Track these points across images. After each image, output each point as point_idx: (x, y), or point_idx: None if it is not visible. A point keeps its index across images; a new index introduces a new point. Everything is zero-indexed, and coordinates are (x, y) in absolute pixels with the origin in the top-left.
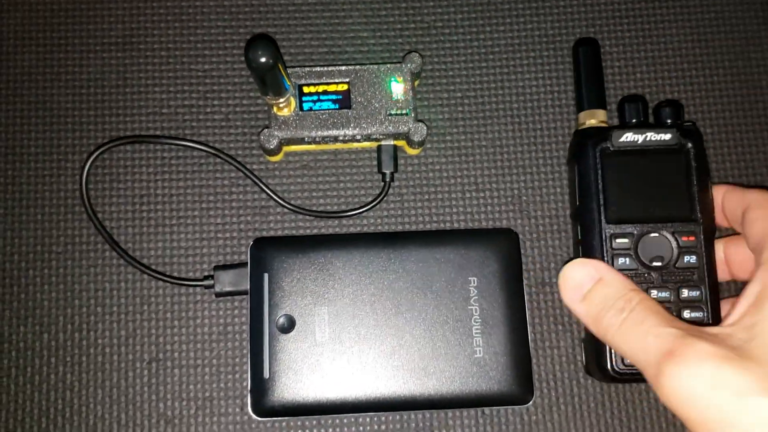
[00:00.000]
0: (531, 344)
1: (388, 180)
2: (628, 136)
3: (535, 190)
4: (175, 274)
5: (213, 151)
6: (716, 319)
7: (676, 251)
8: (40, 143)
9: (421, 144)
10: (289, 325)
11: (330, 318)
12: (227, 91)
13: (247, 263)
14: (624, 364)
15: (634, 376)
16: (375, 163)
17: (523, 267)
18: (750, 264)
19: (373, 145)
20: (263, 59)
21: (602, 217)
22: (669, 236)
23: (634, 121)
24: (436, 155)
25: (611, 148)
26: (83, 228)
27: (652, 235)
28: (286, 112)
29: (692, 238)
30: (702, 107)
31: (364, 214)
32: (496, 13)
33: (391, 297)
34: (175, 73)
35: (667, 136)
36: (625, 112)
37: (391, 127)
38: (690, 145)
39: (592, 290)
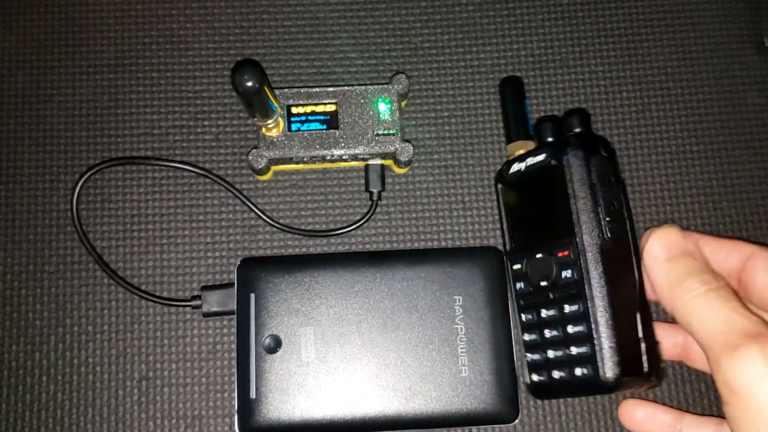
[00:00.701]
0: (516, 362)
1: (375, 199)
2: (514, 166)
3: None
4: (165, 294)
5: (202, 172)
6: (601, 333)
7: (555, 268)
8: (33, 164)
9: (408, 163)
10: (275, 346)
11: (316, 338)
12: (217, 111)
13: (233, 284)
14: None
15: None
16: (363, 181)
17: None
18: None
19: (361, 164)
20: (249, 83)
21: (506, 247)
22: (550, 254)
23: (547, 141)
24: (424, 174)
25: (506, 180)
26: (74, 248)
27: (538, 256)
28: (274, 132)
29: (566, 253)
30: (688, 125)
31: (351, 232)
32: (482, 33)
33: (377, 316)
34: (166, 95)
35: (541, 157)
36: (538, 135)
37: (378, 147)
38: (566, 160)
39: (681, 257)
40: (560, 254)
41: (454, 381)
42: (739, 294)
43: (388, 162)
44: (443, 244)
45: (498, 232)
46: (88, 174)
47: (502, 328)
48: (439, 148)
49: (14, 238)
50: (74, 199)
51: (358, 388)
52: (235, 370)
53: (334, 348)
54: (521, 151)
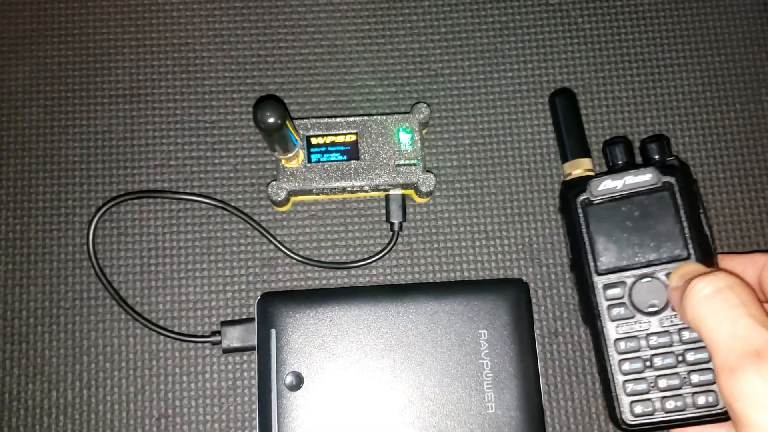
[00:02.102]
0: (544, 397)
1: (396, 229)
2: (607, 184)
3: (546, 238)
4: (184, 329)
5: (219, 204)
6: None
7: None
8: (48, 197)
9: (429, 193)
10: (298, 383)
11: (339, 374)
12: (235, 142)
13: (254, 318)
14: (633, 416)
15: (647, 428)
16: (383, 212)
17: (536, 317)
18: None
19: (382, 194)
20: (271, 120)
21: (592, 270)
22: (662, 279)
23: (620, 163)
24: (445, 203)
25: (592, 199)
26: (91, 283)
27: (645, 281)
28: (294, 164)
29: None
30: (714, 152)
31: (373, 264)
32: (503, 59)
33: (401, 351)
34: (183, 125)
35: (647, 177)
36: (608, 156)
37: (399, 178)
38: (673, 181)
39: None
40: None
41: (480, 418)
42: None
43: (409, 192)
44: (466, 275)
45: (522, 263)
46: (105, 208)
47: (529, 362)
48: (461, 177)
49: (30, 274)
50: (90, 234)
51: (383, 425)
52: (256, 407)
53: (358, 384)
54: (579, 171)
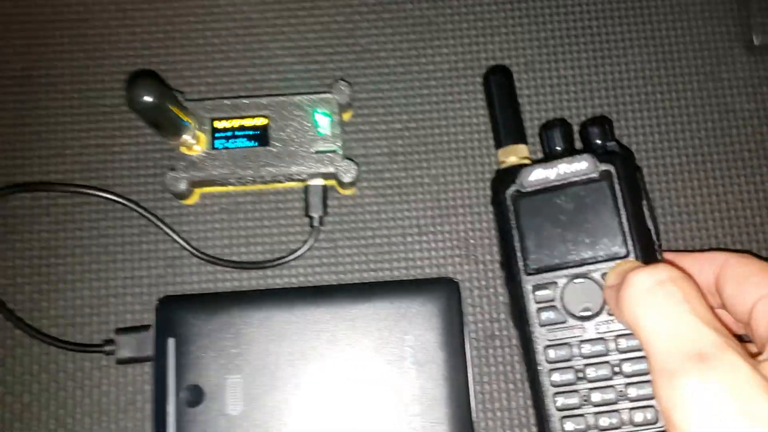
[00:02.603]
0: (478, 407)
1: (316, 224)
2: (539, 173)
3: (484, 233)
4: (78, 337)
5: (117, 198)
6: None
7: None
8: None
9: (353, 184)
10: (197, 398)
11: (245, 389)
12: (137, 128)
13: (150, 326)
14: None
15: None
16: (303, 205)
17: (471, 318)
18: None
19: (301, 185)
20: (146, 98)
21: (521, 269)
22: (598, 280)
23: (557, 149)
24: (373, 195)
25: (522, 190)
26: None
27: (578, 281)
28: (196, 150)
29: None
30: (669, 135)
31: (290, 263)
32: (437, 34)
33: (316, 362)
34: (79, 110)
35: (582, 165)
36: (544, 142)
37: (316, 167)
38: (612, 169)
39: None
40: None
41: None
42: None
43: (331, 182)
44: (395, 274)
45: (457, 260)
46: None
47: (459, 370)
48: (390, 165)
49: None
50: None
51: None
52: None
53: (266, 400)
54: (514, 158)
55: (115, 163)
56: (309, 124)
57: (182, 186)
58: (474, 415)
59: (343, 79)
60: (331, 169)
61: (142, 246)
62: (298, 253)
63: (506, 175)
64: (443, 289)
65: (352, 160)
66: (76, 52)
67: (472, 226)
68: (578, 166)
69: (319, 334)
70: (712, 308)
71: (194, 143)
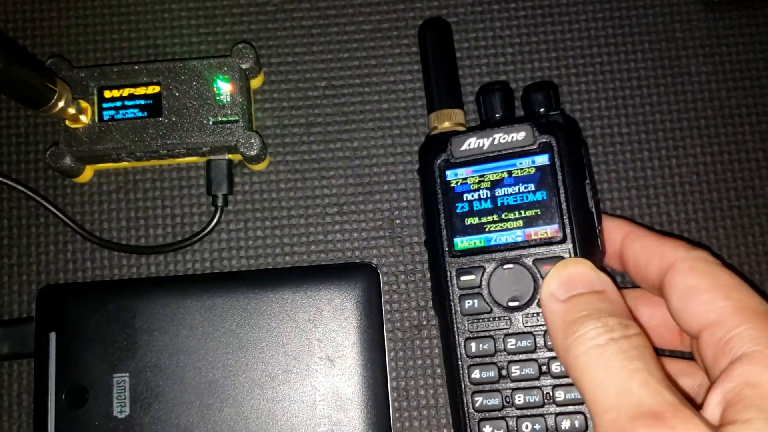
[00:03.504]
0: (398, 404)
1: (220, 204)
2: (471, 143)
3: (410, 212)
4: None
5: None
6: None
7: (533, 284)
8: None
9: (261, 158)
10: (80, 398)
11: (132, 388)
12: None
13: (32, 318)
14: None
15: None
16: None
17: (395, 307)
18: (671, 334)
19: (203, 159)
20: None
21: (446, 250)
22: (529, 266)
23: (496, 117)
24: (287, 170)
25: (453, 161)
26: None
27: (507, 267)
28: (82, 122)
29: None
30: (617, 101)
31: (192, 246)
32: None
33: (216, 359)
34: None
35: (520, 135)
36: (481, 107)
37: (215, 139)
38: (553, 141)
39: (585, 296)
40: (547, 267)
41: None
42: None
43: (237, 156)
44: (312, 258)
45: (381, 242)
46: None
47: (376, 367)
48: (306, 138)
49: None
50: None
51: None
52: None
53: (156, 401)
54: (448, 124)
55: (1, 139)
56: (207, 92)
57: (66, 162)
58: (392, 416)
59: (245, 41)
60: (232, 142)
61: (30, 230)
62: (200, 236)
63: (437, 143)
64: (361, 276)
65: (256, 131)
66: None
67: (397, 205)
68: (515, 137)
69: (217, 327)
70: (665, 369)
71: (78, 114)
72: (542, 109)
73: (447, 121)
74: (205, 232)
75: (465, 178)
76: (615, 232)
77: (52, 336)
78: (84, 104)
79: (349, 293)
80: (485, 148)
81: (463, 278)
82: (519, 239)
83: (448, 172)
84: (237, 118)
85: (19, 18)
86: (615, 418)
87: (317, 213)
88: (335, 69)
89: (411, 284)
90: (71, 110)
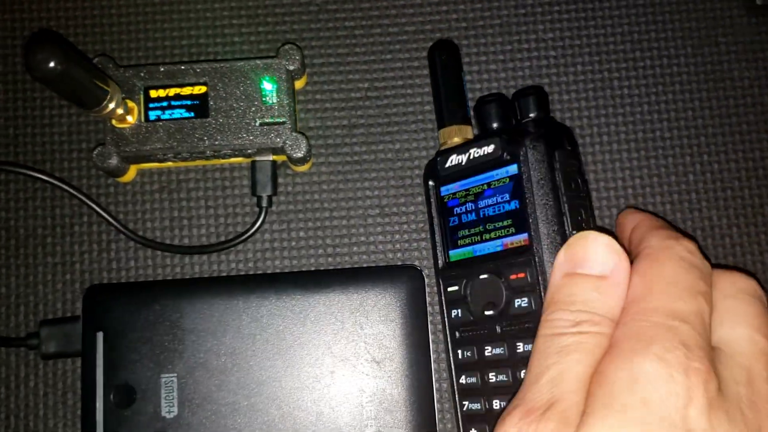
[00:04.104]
0: (444, 405)
1: (264, 205)
2: (453, 159)
3: None
4: (2, 329)
5: (42, 176)
6: None
7: (506, 294)
8: None
9: (305, 159)
10: (128, 398)
11: (180, 389)
12: None
13: (79, 317)
14: None
15: None
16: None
17: (437, 309)
18: None
19: (248, 161)
20: (50, 64)
21: (440, 261)
22: (501, 274)
23: (493, 127)
24: (330, 171)
25: (439, 176)
26: None
27: (482, 277)
28: (128, 122)
29: (522, 275)
30: (659, 106)
31: (236, 247)
32: None
33: (263, 360)
34: (5, 77)
35: (490, 148)
36: (479, 119)
37: (261, 140)
38: (522, 152)
39: (582, 278)
40: (513, 276)
41: None
42: None
43: (282, 158)
44: (354, 260)
45: (423, 244)
46: None
47: (422, 369)
48: (349, 140)
49: None
50: None
51: None
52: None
53: (204, 402)
54: (457, 139)
55: (45, 138)
56: (254, 93)
57: (113, 162)
58: (437, 416)
59: (292, 42)
60: (279, 143)
61: (74, 228)
62: (244, 237)
63: (431, 161)
64: (406, 279)
65: (302, 133)
66: (1, 13)
67: None
68: (486, 149)
69: (265, 328)
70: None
71: (125, 114)
72: (531, 115)
73: (455, 136)
74: (249, 232)
75: (454, 193)
76: (627, 228)
77: (100, 335)
78: (131, 104)
79: (395, 295)
80: (464, 163)
81: (449, 289)
82: (498, 249)
83: (442, 189)
84: (284, 119)
85: (62, 16)
86: (514, 403)
87: (359, 215)
88: (378, 70)
89: None
90: (119, 110)
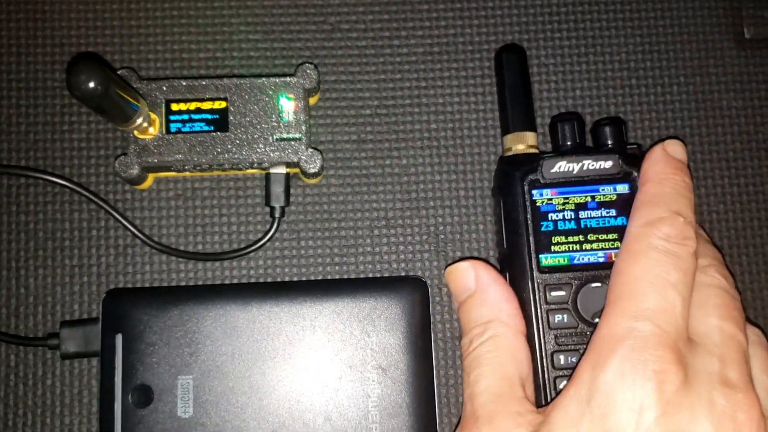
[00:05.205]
0: (443, 411)
1: (277, 215)
2: (561, 166)
3: (455, 227)
4: (21, 328)
5: (62, 181)
6: None
7: None
8: None
9: (317, 174)
10: (145, 398)
11: (196, 390)
12: None
13: (98, 319)
14: None
15: None
16: (264, 193)
17: (438, 318)
18: None
19: (262, 172)
20: (91, 84)
21: (533, 265)
22: None
23: (568, 144)
24: (339, 184)
25: (542, 180)
26: None
27: (594, 285)
28: (150, 133)
29: None
30: (652, 132)
31: (249, 255)
32: (412, 15)
33: (273, 364)
34: (26, 84)
35: (608, 164)
36: (558, 134)
37: (277, 155)
38: (635, 173)
39: (466, 302)
40: None
41: None
42: None
43: (294, 170)
44: (361, 269)
45: (426, 256)
46: None
47: (425, 377)
48: (358, 154)
49: None
50: None
51: None
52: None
53: (218, 403)
54: (521, 146)
55: (64, 143)
56: (272, 110)
57: (134, 171)
58: (438, 422)
59: (309, 62)
60: (294, 159)
61: (91, 233)
62: (258, 245)
63: (518, 164)
64: (411, 289)
65: (317, 149)
66: (23, 21)
67: (442, 221)
68: (603, 164)
69: (276, 333)
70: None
71: (147, 126)
72: (610, 142)
73: (522, 143)
74: (263, 241)
75: (550, 199)
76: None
77: (119, 337)
78: (153, 116)
79: (401, 305)
80: (574, 172)
81: (552, 294)
82: (601, 260)
83: (534, 192)
84: (300, 135)
85: (82, 26)
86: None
87: (366, 226)
88: (387, 89)
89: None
90: (145, 123)
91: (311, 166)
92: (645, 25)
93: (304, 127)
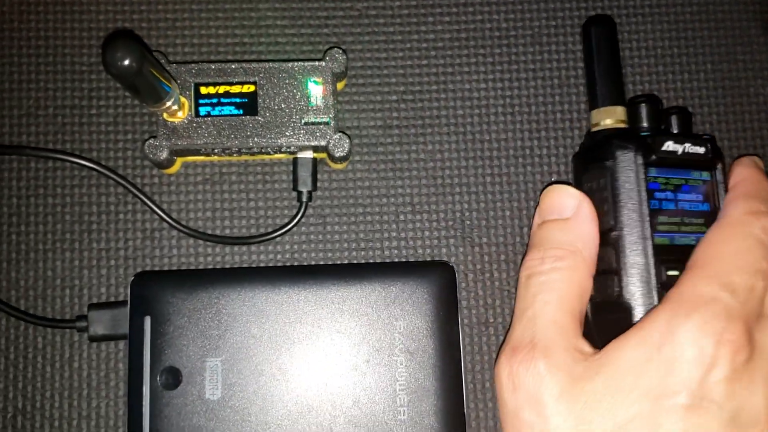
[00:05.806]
0: (469, 397)
1: (305, 200)
2: (669, 145)
3: (480, 213)
4: (48, 310)
5: (90, 164)
6: None
7: None
8: None
9: (345, 158)
10: (174, 380)
11: (224, 372)
12: (115, 89)
13: (126, 302)
14: None
15: None
16: (291, 178)
17: (464, 304)
18: None
19: (289, 156)
20: (126, 62)
21: (650, 243)
22: None
23: (645, 125)
24: (366, 170)
25: (656, 157)
26: None
27: None
28: (179, 116)
29: None
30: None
31: (276, 239)
32: (440, 1)
33: (300, 346)
34: (54, 68)
35: (701, 150)
36: (640, 114)
37: (306, 139)
38: (719, 163)
39: (548, 224)
40: None
41: (390, 425)
42: None
43: (322, 155)
44: (387, 254)
45: (452, 241)
46: None
47: (452, 359)
48: (385, 140)
49: None
50: None
51: None
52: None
53: (246, 385)
54: (609, 121)
55: (92, 127)
56: (300, 94)
57: (163, 155)
58: (465, 406)
59: (338, 47)
60: (322, 142)
61: (119, 216)
62: (285, 229)
63: (624, 138)
64: (438, 274)
65: (345, 133)
66: (51, 5)
67: (468, 207)
68: (698, 149)
69: (304, 316)
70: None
71: (177, 110)
72: (677, 131)
73: (611, 117)
74: (290, 225)
75: (656, 177)
76: (732, 180)
77: (147, 320)
78: (182, 99)
79: (429, 289)
80: (679, 153)
81: (669, 273)
82: (693, 243)
83: (650, 169)
84: (328, 120)
85: (110, 9)
86: (505, 344)
87: (392, 211)
88: (414, 75)
89: (479, 283)
90: (174, 106)
91: (339, 149)
92: (672, 11)
93: (332, 112)
